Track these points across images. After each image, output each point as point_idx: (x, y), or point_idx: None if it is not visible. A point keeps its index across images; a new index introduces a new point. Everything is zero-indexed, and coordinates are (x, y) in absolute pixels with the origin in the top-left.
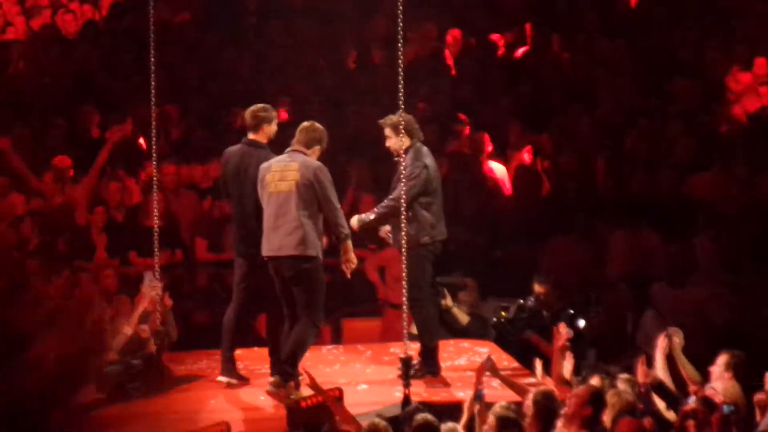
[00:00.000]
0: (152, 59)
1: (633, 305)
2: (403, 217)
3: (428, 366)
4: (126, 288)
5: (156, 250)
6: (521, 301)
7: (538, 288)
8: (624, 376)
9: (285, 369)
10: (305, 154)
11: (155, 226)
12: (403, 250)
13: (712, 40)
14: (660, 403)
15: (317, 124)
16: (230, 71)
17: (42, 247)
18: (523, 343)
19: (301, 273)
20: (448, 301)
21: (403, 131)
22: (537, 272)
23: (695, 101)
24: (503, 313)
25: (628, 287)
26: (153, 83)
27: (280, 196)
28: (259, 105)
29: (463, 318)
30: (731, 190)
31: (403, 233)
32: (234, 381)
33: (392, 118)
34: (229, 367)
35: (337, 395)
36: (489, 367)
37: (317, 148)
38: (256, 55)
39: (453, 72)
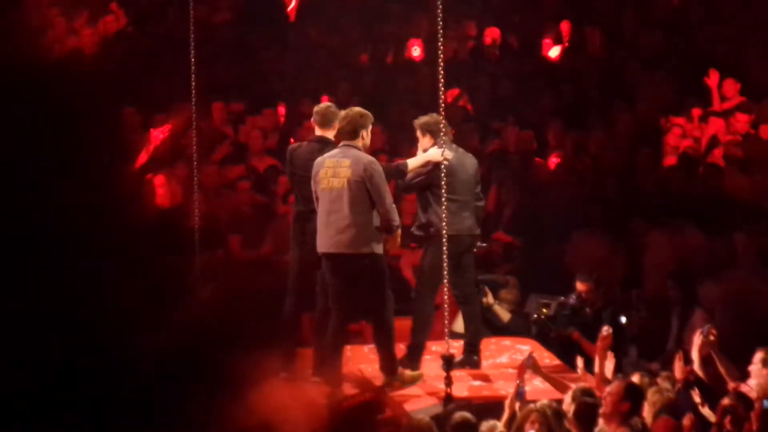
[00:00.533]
0: (192, 59)
1: (680, 303)
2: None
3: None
4: None
5: (197, 250)
6: (562, 298)
7: (580, 286)
8: (665, 373)
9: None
10: (356, 147)
11: (196, 226)
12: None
13: (751, 37)
14: (698, 400)
15: (355, 109)
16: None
17: None
18: (564, 340)
19: (357, 271)
20: (489, 299)
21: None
22: (579, 270)
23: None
24: (544, 310)
25: (674, 284)
26: (193, 83)
27: (333, 193)
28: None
29: (505, 315)
30: None
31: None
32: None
33: (421, 118)
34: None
35: (376, 398)
36: (530, 364)
37: (364, 132)
38: (298, 53)
39: (492, 70)
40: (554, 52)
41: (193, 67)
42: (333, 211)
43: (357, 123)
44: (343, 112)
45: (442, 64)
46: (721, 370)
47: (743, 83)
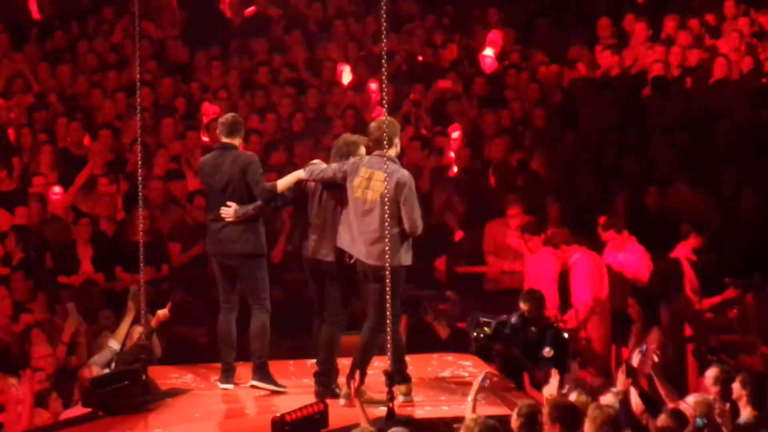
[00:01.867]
0: (138, 75)
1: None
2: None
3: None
4: (111, 303)
5: (142, 265)
6: (504, 316)
7: (523, 306)
8: (614, 389)
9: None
10: (391, 158)
11: (141, 240)
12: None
13: None
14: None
15: (386, 118)
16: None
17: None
18: (505, 358)
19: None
20: (429, 315)
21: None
22: (524, 290)
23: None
24: (486, 329)
25: (635, 303)
26: (139, 98)
27: (366, 204)
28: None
29: (444, 332)
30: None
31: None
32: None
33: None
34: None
35: (322, 409)
36: (486, 385)
37: (396, 140)
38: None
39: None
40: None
41: (138, 84)
42: (364, 222)
43: (390, 131)
44: (374, 123)
45: (385, 80)
46: (661, 392)
47: None
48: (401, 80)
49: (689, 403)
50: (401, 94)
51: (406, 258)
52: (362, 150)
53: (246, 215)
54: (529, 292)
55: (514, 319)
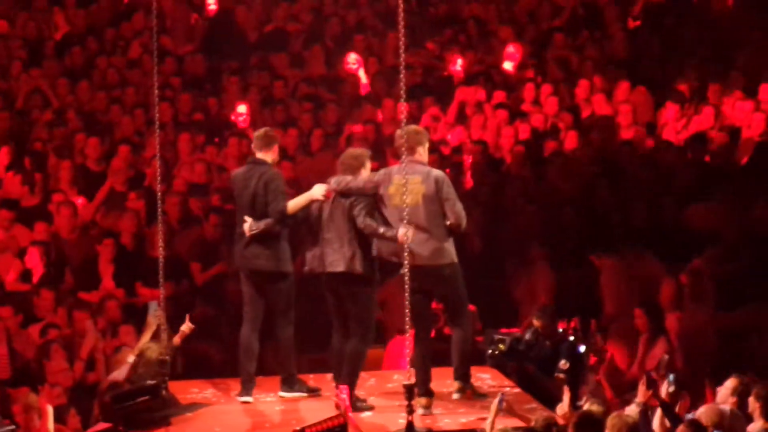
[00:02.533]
0: (156, 90)
1: (647, 331)
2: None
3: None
4: (132, 318)
5: (161, 280)
6: (518, 333)
7: (536, 322)
8: (637, 400)
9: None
10: (421, 162)
11: (161, 256)
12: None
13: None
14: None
15: (411, 126)
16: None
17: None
18: (520, 374)
19: (438, 282)
20: (445, 327)
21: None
22: (537, 307)
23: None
24: (501, 346)
25: (642, 314)
26: (157, 114)
27: (407, 209)
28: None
29: None
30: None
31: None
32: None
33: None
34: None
35: (342, 422)
36: (503, 407)
37: (421, 149)
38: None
39: None
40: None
41: (156, 98)
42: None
43: (414, 140)
44: (398, 131)
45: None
46: None
47: None
48: (419, 94)
49: (700, 415)
50: (420, 108)
51: (455, 256)
52: (368, 162)
53: (258, 231)
54: (541, 308)
55: (528, 335)
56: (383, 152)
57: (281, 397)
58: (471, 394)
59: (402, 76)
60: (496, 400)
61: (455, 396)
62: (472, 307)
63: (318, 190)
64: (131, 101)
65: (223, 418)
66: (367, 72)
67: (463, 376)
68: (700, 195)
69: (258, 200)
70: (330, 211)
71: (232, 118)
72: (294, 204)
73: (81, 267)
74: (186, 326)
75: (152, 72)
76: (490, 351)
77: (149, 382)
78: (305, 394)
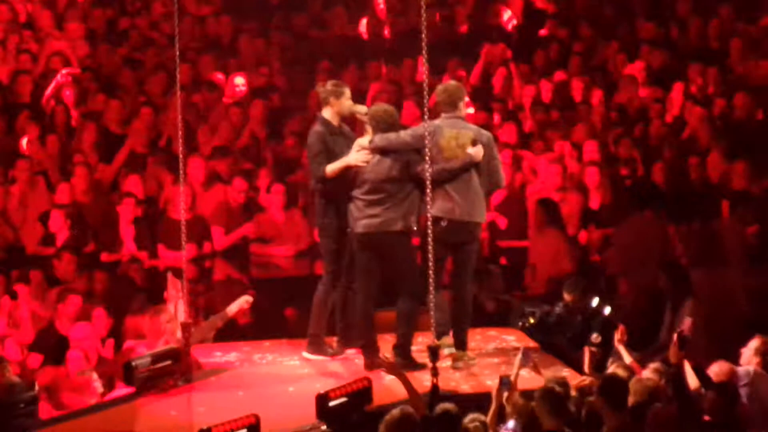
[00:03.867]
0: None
1: (672, 293)
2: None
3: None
4: (154, 281)
5: (184, 243)
6: (547, 307)
7: (566, 296)
8: (654, 365)
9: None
10: (462, 118)
11: (183, 219)
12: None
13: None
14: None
15: (452, 82)
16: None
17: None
18: (551, 348)
19: (473, 237)
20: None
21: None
22: (566, 281)
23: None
24: (531, 319)
25: (665, 275)
26: (178, 75)
27: (460, 162)
28: None
29: (490, 305)
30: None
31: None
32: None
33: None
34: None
35: (367, 385)
36: (528, 364)
37: (461, 104)
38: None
39: None
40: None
41: (177, 60)
42: (464, 180)
43: (455, 95)
44: (440, 86)
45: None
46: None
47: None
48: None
49: (714, 372)
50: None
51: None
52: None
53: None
54: (572, 281)
55: (558, 309)
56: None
57: (305, 358)
58: (467, 362)
59: (423, 35)
60: (519, 355)
61: (455, 365)
62: (496, 268)
63: (356, 157)
64: (152, 63)
65: (246, 380)
66: (390, 30)
67: (463, 344)
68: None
69: None
70: (374, 170)
71: (236, 87)
72: (331, 169)
73: (102, 230)
74: (245, 300)
75: (174, 33)
76: (520, 324)
77: (171, 346)
78: (328, 357)
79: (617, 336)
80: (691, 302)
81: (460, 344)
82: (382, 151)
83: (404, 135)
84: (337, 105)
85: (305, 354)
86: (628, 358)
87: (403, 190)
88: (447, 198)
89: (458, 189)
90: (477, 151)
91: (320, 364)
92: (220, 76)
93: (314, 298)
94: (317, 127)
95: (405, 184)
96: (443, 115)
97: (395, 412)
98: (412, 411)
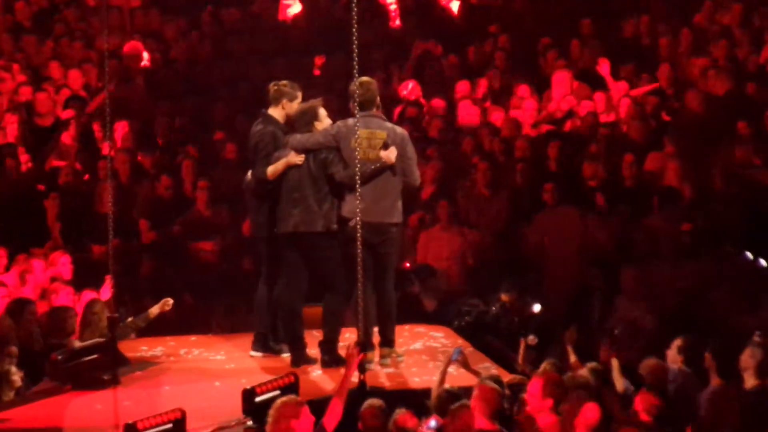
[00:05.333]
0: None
1: (601, 290)
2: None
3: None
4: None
5: (110, 236)
6: (483, 306)
7: (504, 296)
8: (591, 364)
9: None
10: (380, 117)
11: (110, 212)
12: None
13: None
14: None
15: (365, 78)
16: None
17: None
18: (484, 346)
19: (385, 239)
20: (415, 288)
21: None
22: (505, 281)
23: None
24: (467, 318)
25: (595, 272)
26: (107, 69)
27: (370, 164)
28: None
29: (430, 305)
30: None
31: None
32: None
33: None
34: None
35: (293, 381)
36: (460, 359)
37: (379, 100)
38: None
39: None
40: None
41: (106, 52)
42: (373, 181)
43: (375, 90)
44: (355, 84)
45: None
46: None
47: None
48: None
49: (644, 368)
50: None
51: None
52: (322, 111)
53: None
54: (510, 282)
55: (495, 309)
56: None
57: (251, 356)
58: (395, 359)
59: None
60: (452, 352)
61: (383, 362)
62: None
63: (295, 156)
64: (79, 56)
65: (172, 376)
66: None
67: (390, 342)
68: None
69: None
70: (293, 170)
71: None
72: (273, 170)
73: (31, 223)
74: (166, 303)
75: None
76: (456, 323)
77: (98, 340)
78: (275, 355)
79: (567, 336)
80: (623, 300)
81: (387, 342)
82: (300, 151)
83: (317, 135)
84: (288, 107)
85: (252, 353)
86: (573, 358)
87: (321, 190)
88: (355, 200)
89: (368, 190)
90: (388, 155)
91: (247, 360)
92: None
93: (256, 297)
94: (268, 127)
95: (323, 185)
96: (359, 113)
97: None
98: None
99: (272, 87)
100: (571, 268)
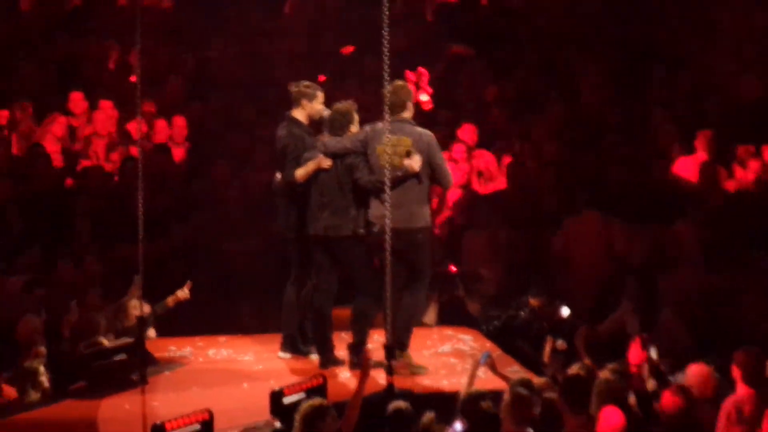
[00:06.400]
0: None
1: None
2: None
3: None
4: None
5: (141, 237)
6: (512, 312)
7: (533, 301)
8: (611, 365)
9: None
10: (409, 121)
11: (141, 213)
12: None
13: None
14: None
15: (399, 82)
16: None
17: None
18: (513, 351)
19: (410, 244)
20: (460, 291)
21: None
22: (533, 285)
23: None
24: (496, 323)
25: (633, 281)
26: (138, 70)
27: (396, 170)
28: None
29: (475, 308)
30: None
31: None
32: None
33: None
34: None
35: (321, 383)
36: (488, 363)
37: (410, 104)
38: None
39: None
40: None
41: (138, 54)
42: (400, 186)
43: (405, 95)
44: (388, 87)
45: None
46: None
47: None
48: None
49: (689, 374)
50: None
51: (428, 218)
52: (355, 116)
53: None
54: (538, 287)
55: (523, 314)
56: None
57: (280, 357)
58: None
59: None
60: (480, 355)
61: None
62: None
63: (324, 159)
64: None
65: (201, 376)
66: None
67: (402, 345)
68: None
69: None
70: (325, 174)
71: None
72: (304, 172)
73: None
74: (182, 292)
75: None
76: (484, 327)
77: (126, 340)
78: (304, 356)
79: (578, 336)
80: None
81: (399, 344)
82: (329, 155)
83: (344, 140)
84: (309, 107)
85: (280, 354)
86: (586, 359)
87: (348, 194)
88: (381, 205)
89: (392, 196)
90: (412, 163)
91: (275, 361)
92: None
93: (284, 299)
94: (295, 129)
95: (350, 189)
96: (387, 117)
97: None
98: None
99: (293, 88)
100: (597, 273)
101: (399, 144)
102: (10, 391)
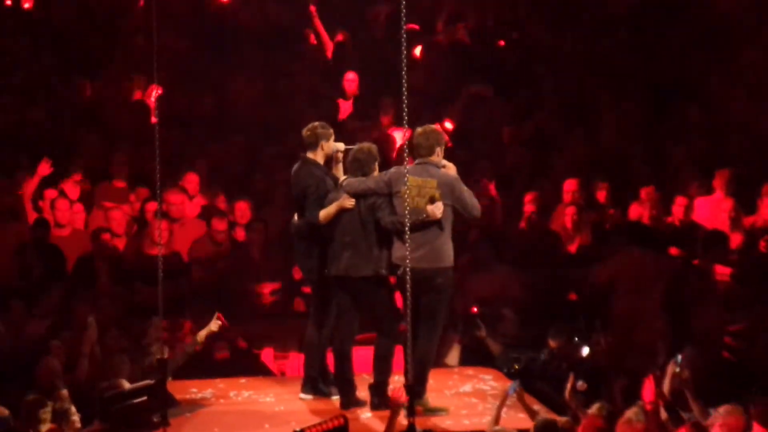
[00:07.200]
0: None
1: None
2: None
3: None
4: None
5: (160, 278)
6: (532, 353)
7: (552, 343)
8: (640, 402)
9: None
10: (435, 165)
11: (160, 254)
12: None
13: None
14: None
15: (430, 126)
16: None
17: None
18: (535, 394)
19: (431, 285)
20: (482, 332)
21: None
22: (553, 328)
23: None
24: (515, 365)
25: (665, 316)
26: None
27: (418, 212)
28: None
29: (496, 348)
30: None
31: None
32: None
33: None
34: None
35: (342, 424)
36: (515, 393)
37: (439, 149)
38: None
39: None
40: None
41: (158, 93)
42: (422, 229)
43: (435, 139)
44: (419, 129)
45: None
46: (694, 409)
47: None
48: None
49: (720, 413)
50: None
51: (452, 258)
52: (377, 156)
53: None
54: (558, 328)
55: (543, 356)
56: None
57: (301, 399)
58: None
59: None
60: (508, 386)
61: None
62: (509, 312)
63: (347, 200)
64: None
65: (222, 418)
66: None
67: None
68: None
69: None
70: (348, 214)
71: None
72: (326, 213)
73: (78, 266)
74: (215, 324)
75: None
76: (505, 370)
77: (148, 381)
78: (326, 398)
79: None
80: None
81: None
82: (352, 195)
83: (369, 181)
84: (326, 147)
85: (302, 395)
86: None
87: (371, 234)
88: (402, 246)
89: (413, 238)
90: (435, 210)
91: (296, 403)
92: None
93: (305, 340)
94: (315, 171)
95: (372, 229)
96: (416, 159)
97: None
98: None
99: (306, 132)
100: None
101: (425, 185)
102: None
